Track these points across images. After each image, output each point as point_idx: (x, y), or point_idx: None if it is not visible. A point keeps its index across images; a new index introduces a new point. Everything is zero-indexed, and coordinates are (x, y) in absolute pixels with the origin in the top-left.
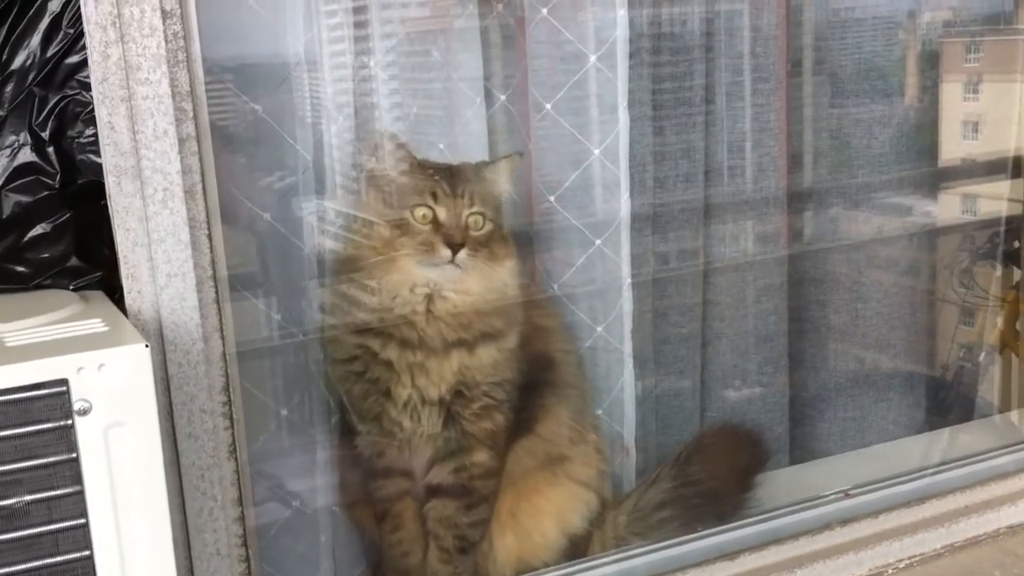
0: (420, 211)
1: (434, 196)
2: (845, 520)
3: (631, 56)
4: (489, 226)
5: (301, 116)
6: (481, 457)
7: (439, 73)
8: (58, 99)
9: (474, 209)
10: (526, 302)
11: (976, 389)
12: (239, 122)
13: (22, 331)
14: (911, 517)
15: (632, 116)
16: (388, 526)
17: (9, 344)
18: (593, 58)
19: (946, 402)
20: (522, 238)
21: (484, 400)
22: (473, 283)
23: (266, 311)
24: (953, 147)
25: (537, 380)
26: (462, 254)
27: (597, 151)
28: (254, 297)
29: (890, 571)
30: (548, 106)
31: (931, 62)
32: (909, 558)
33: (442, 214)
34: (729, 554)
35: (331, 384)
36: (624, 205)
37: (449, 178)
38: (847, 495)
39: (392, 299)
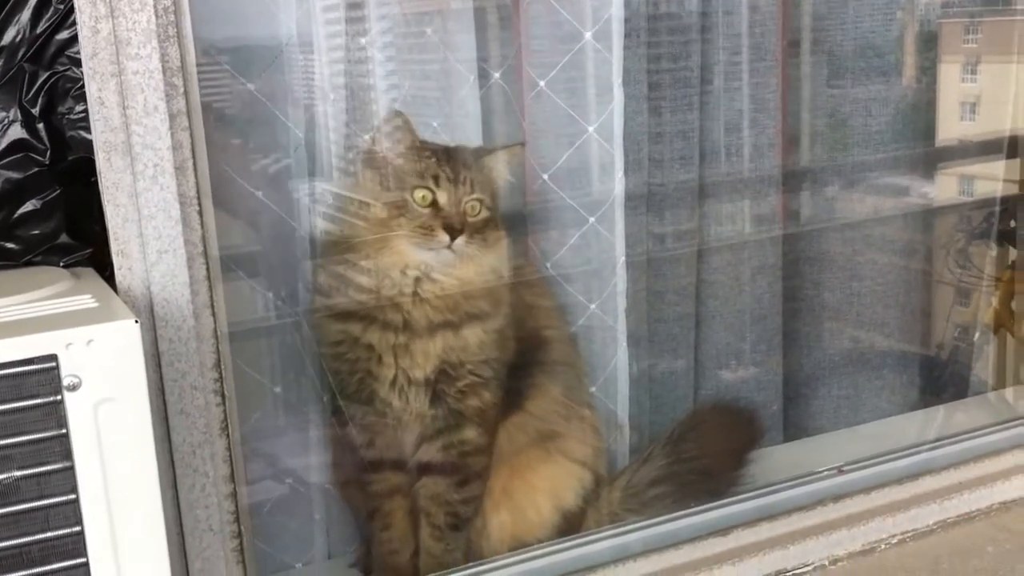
0: (420, 193)
1: (436, 179)
2: (838, 496)
3: (627, 35)
4: (486, 213)
5: (294, 96)
6: (470, 434)
7: (434, 54)
8: (48, 75)
9: (473, 195)
10: (517, 282)
11: (970, 367)
12: (231, 101)
13: (12, 307)
14: (904, 493)
15: (627, 95)
16: (378, 524)
17: None
18: (588, 35)
19: (940, 380)
20: (515, 217)
21: (470, 378)
22: (465, 269)
23: (259, 290)
24: (950, 127)
25: (528, 359)
26: (459, 241)
27: (592, 129)
28: (247, 276)
29: (883, 547)
30: (542, 83)
31: (929, 42)
32: (902, 534)
33: (442, 198)
34: (722, 530)
35: (322, 365)
36: (619, 184)
37: (451, 162)
38: (840, 471)
39: (382, 280)
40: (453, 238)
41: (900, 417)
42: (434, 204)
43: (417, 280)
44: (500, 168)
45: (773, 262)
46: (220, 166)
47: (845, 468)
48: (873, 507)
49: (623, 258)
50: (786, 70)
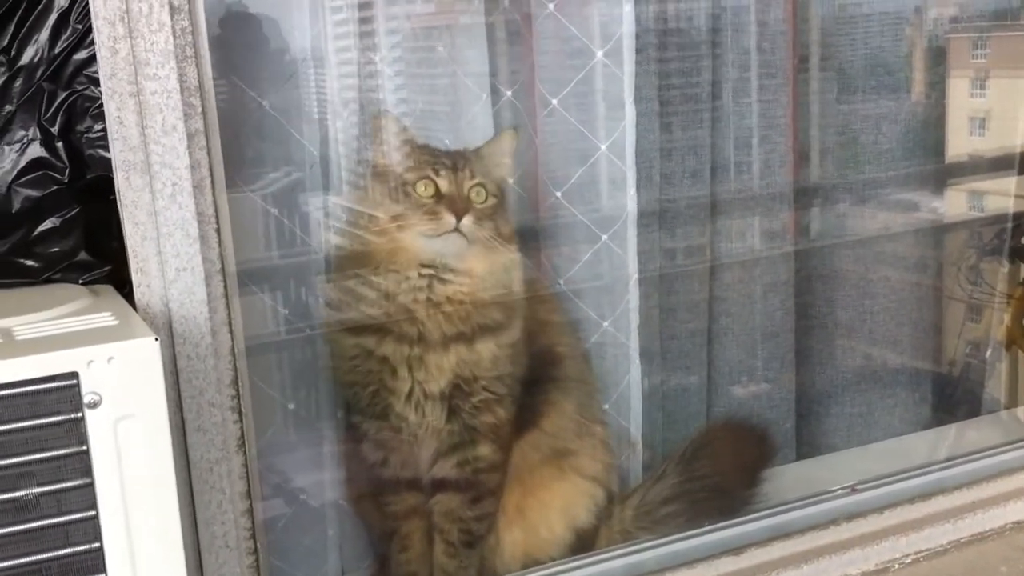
0: (422, 184)
1: (435, 169)
2: (851, 516)
3: (638, 51)
4: (492, 200)
5: (308, 112)
6: (484, 451)
7: (445, 69)
8: (67, 94)
9: (476, 181)
10: (530, 297)
11: (983, 385)
12: (246, 118)
13: (32, 324)
14: (917, 513)
15: (639, 112)
16: (396, 546)
17: (19, 338)
18: (599, 54)
19: (953, 398)
20: (528, 233)
21: (484, 394)
22: (477, 262)
23: (273, 306)
24: (960, 143)
25: (542, 375)
26: (466, 220)
27: (604, 147)
28: (261, 292)
29: (896, 566)
30: (554, 101)
31: (938, 58)
32: (915, 553)
33: (444, 185)
34: (735, 549)
35: (337, 380)
36: (631, 201)
37: (448, 155)
38: (854, 490)
39: (395, 285)
40: (459, 218)
41: (913, 435)
42: (437, 192)
43: (430, 282)
44: (498, 156)
45: (785, 279)
46: (235, 183)
47: (858, 487)
48: (886, 526)
49: (635, 275)
50: (796, 86)
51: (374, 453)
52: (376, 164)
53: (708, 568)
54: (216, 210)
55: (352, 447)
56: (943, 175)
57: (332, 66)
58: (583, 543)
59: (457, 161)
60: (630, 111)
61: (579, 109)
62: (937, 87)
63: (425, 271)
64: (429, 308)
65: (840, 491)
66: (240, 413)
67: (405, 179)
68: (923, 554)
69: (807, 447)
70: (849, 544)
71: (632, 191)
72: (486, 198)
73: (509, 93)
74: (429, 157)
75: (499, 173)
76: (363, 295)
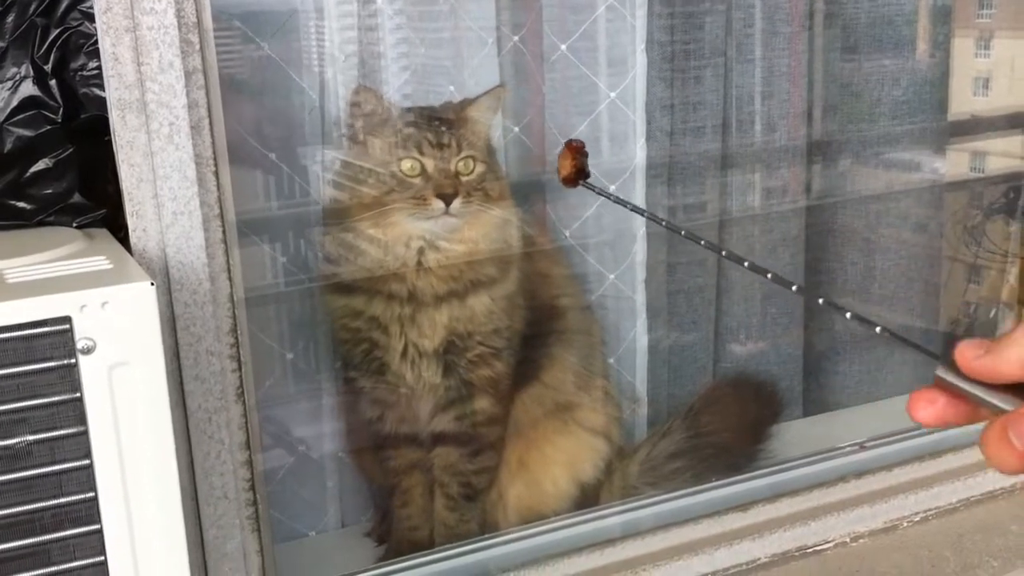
0: (407, 163)
1: (419, 147)
2: (860, 473)
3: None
4: (480, 167)
5: (307, 61)
6: (483, 404)
7: (449, 16)
8: (60, 30)
9: (463, 154)
10: (530, 251)
11: None
12: (244, 62)
13: (24, 268)
14: (927, 471)
15: (650, 60)
16: (397, 500)
17: (11, 281)
18: None
19: None
20: (534, 185)
21: (479, 348)
22: (471, 230)
23: (271, 254)
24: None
25: (543, 329)
26: (456, 203)
27: (613, 95)
28: (260, 241)
29: (905, 524)
30: (563, 47)
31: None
32: (925, 511)
33: (430, 165)
34: (742, 505)
35: (332, 338)
36: (640, 151)
37: (432, 125)
38: (862, 448)
39: (385, 254)
40: (448, 203)
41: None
42: (423, 172)
43: (421, 251)
44: (485, 116)
45: (796, 234)
46: (233, 127)
47: (867, 444)
48: (895, 484)
49: (643, 228)
50: (809, 40)
51: (371, 409)
52: (358, 140)
53: (714, 524)
54: (215, 152)
55: (350, 402)
56: (956, 132)
57: (332, 18)
58: (587, 497)
59: (442, 133)
60: (640, 59)
61: (588, 56)
62: (942, 46)
63: (415, 243)
64: (419, 271)
65: (849, 448)
66: (239, 362)
67: (388, 160)
68: (932, 512)
69: (815, 404)
70: (857, 501)
71: (641, 141)
72: (474, 167)
73: (516, 39)
74: (414, 131)
75: (485, 134)
76: (353, 253)
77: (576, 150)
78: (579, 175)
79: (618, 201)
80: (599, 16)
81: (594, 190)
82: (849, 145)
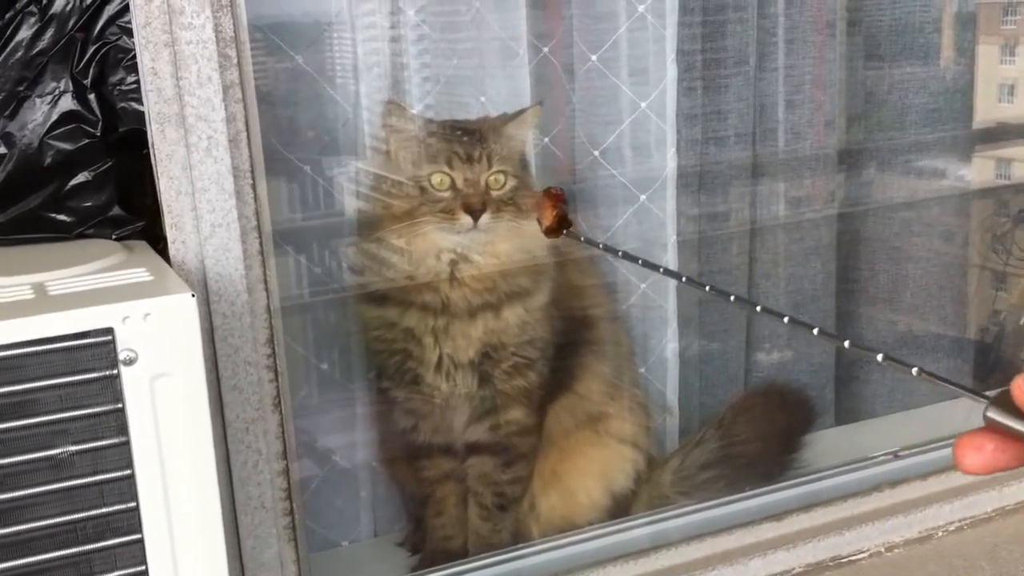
0: (437, 177)
1: (449, 162)
2: (894, 482)
3: (680, 7)
4: (512, 182)
5: (341, 73)
6: (516, 414)
7: (478, 27)
8: (99, 45)
9: (494, 169)
10: (562, 261)
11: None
12: (279, 74)
13: (65, 280)
14: (962, 480)
15: (681, 69)
16: (431, 510)
17: (53, 293)
18: (641, 8)
19: (995, 365)
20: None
21: (514, 359)
22: (501, 244)
23: (306, 265)
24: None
25: (575, 339)
26: (484, 218)
27: (644, 104)
28: (294, 252)
29: (940, 533)
30: (594, 58)
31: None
32: (960, 520)
33: (459, 179)
34: (776, 515)
35: (366, 348)
36: (671, 160)
37: (464, 140)
38: (897, 456)
39: (417, 266)
40: (476, 219)
41: (955, 401)
42: (453, 187)
43: (453, 263)
44: (521, 131)
45: (828, 242)
46: (269, 140)
47: (901, 453)
48: (930, 493)
49: (674, 236)
50: (841, 49)
51: (405, 419)
52: (389, 153)
53: (748, 534)
54: (252, 165)
55: (384, 411)
56: (982, 139)
57: (358, 29)
58: (620, 507)
59: (473, 148)
60: (671, 69)
61: (616, 66)
62: (966, 53)
63: (446, 256)
64: (453, 283)
65: (883, 457)
66: (276, 372)
67: (418, 174)
68: (967, 521)
69: (847, 413)
70: (892, 511)
71: (672, 150)
72: (505, 182)
73: (546, 49)
74: (444, 145)
75: (520, 149)
76: (387, 265)
77: (557, 198)
78: (562, 224)
79: (607, 250)
80: (629, 26)
81: (579, 239)
82: (876, 153)
